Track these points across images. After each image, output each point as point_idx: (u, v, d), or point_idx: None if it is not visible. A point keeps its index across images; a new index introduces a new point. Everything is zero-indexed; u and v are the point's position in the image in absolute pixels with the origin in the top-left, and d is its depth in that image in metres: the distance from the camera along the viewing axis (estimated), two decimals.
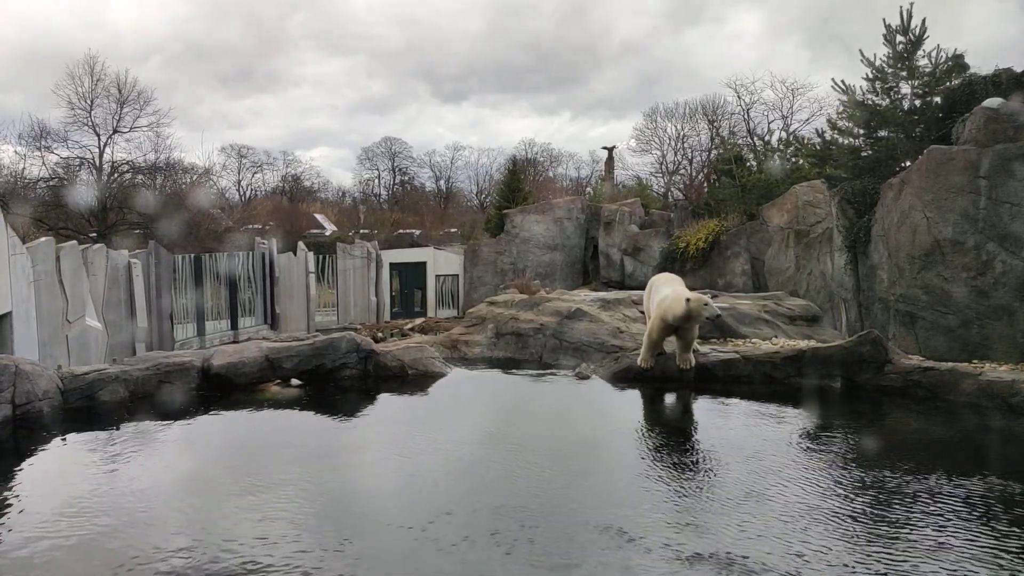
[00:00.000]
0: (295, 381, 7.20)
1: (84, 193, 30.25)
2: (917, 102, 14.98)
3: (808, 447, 5.32)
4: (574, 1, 66.26)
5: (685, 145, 40.36)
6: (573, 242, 29.02)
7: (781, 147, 29.37)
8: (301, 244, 25.12)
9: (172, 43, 60.18)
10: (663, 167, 41.35)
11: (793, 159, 25.35)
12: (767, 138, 32.89)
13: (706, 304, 6.68)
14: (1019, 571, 3.21)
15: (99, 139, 30.26)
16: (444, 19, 69.35)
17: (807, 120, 33.45)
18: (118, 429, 5.63)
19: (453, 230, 38.96)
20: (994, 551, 3.41)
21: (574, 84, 70.09)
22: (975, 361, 9.26)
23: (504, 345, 9.93)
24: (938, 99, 14.50)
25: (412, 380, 7.37)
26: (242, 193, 49.67)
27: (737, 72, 49.01)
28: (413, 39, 69.52)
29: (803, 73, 48.70)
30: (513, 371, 8.64)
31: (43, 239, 14.68)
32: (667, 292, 7.24)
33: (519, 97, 74.75)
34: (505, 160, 49.24)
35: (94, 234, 26.33)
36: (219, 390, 6.70)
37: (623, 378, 7.34)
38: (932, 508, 3.94)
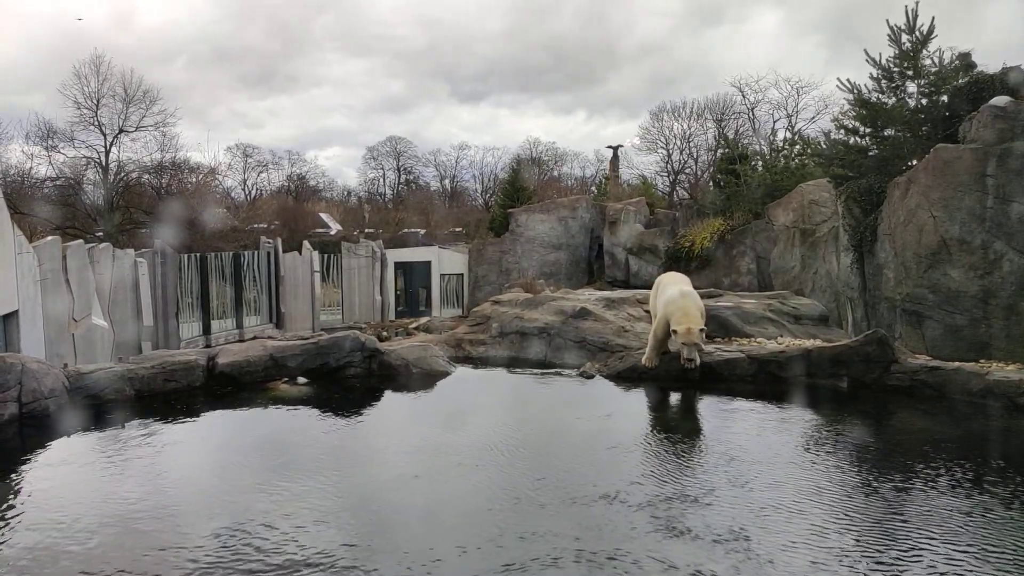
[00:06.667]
0: (301, 379, 7.21)
1: (90, 192, 30.42)
2: (924, 101, 14.90)
3: (813, 446, 5.30)
4: (595, 1, 66.44)
5: (691, 144, 40.31)
6: (578, 241, 29.00)
7: (786, 147, 29.29)
8: (306, 243, 25.16)
9: (197, 44, 60.80)
10: (668, 166, 41.30)
11: (798, 158, 25.28)
12: (770, 138, 32.82)
13: (693, 344, 6.55)
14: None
15: (105, 139, 30.38)
16: (467, 19, 69.67)
17: (812, 119, 33.40)
18: (124, 428, 5.65)
19: (458, 229, 38.96)
20: (998, 549, 3.39)
21: (591, 84, 70.23)
22: (982, 360, 9.21)
23: (508, 344, 9.92)
24: (945, 98, 14.42)
25: (417, 379, 7.37)
26: (247, 192, 49.80)
27: (748, 72, 48.85)
28: (435, 39, 69.89)
29: (819, 73, 48.50)
30: (517, 370, 8.63)
31: (49, 238, 14.74)
32: (672, 292, 7.19)
33: (535, 96, 75.12)
34: (510, 159, 49.32)
35: (100, 233, 26.41)
36: (225, 388, 6.72)
37: (628, 377, 7.32)
38: (933, 506, 3.92)
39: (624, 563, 3.29)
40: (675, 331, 6.71)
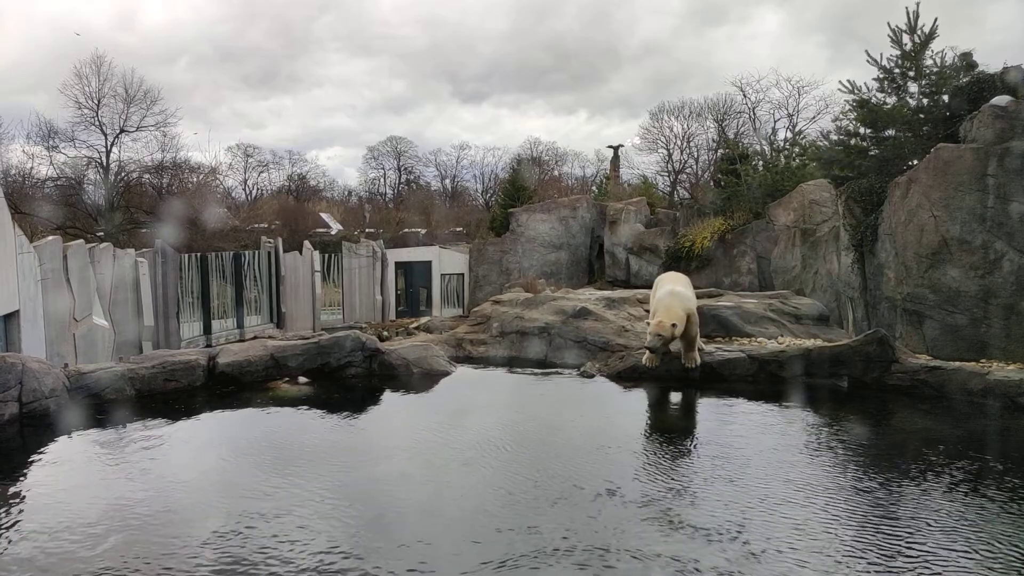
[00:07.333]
0: (302, 379, 7.21)
1: (91, 192, 30.47)
2: (924, 100, 14.91)
3: (812, 445, 5.30)
4: (597, 1, 66.63)
5: (691, 144, 40.31)
6: (578, 241, 29.00)
7: (787, 147, 29.27)
8: (307, 243, 25.17)
9: (200, 44, 61.09)
10: (669, 166, 41.31)
11: (799, 159, 25.27)
12: (771, 138, 32.80)
13: (657, 335, 6.71)
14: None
15: (106, 138, 30.42)
16: (469, 19, 69.90)
17: (813, 118, 33.35)
18: (124, 427, 5.65)
19: (458, 229, 38.97)
20: (996, 549, 3.39)
21: (593, 83, 70.52)
22: (982, 360, 9.22)
23: (509, 344, 9.93)
24: (945, 97, 14.43)
25: (417, 378, 7.37)
26: (248, 192, 49.85)
27: (749, 72, 48.94)
28: (437, 39, 70.20)
29: (821, 73, 48.71)
30: (517, 370, 8.64)
31: (50, 238, 14.76)
32: (663, 291, 7.18)
33: (537, 96, 75.43)
34: (511, 159, 49.39)
35: (101, 233, 26.44)
36: (226, 388, 6.72)
37: (628, 377, 7.32)
38: (931, 505, 3.92)
39: (612, 559, 3.30)
40: (648, 323, 6.79)
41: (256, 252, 22.66)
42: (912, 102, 15.06)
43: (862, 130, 15.81)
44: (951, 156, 11.72)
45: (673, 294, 7.01)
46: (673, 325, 6.67)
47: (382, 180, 56.27)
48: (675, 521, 3.74)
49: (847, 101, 16.18)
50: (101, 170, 30.41)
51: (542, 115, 72.95)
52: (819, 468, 4.71)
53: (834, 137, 17.11)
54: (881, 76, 15.26)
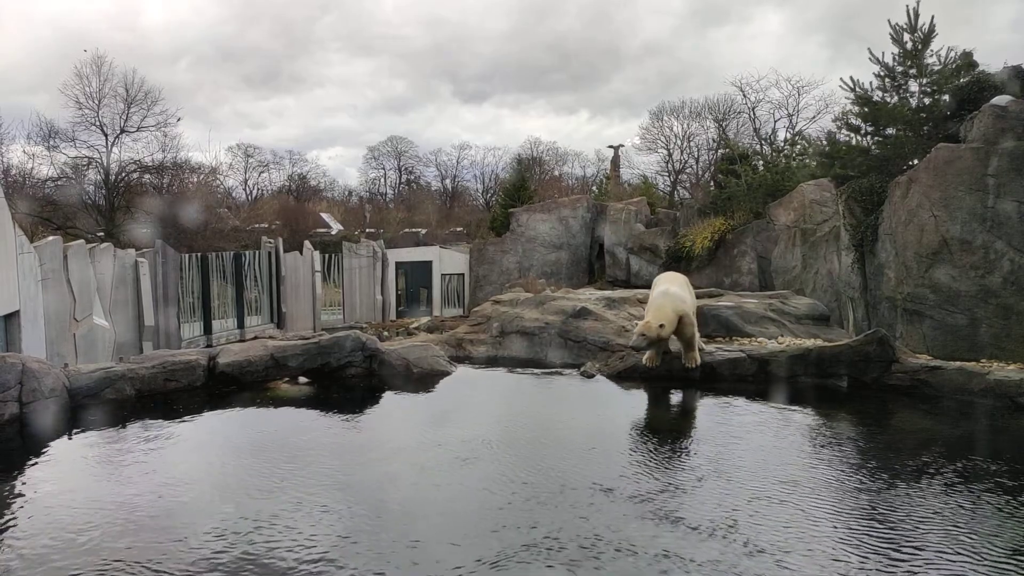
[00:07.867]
0: (302, 379, 7.22)
1: (92, 192, 30.47)
2: (925, 100, 14.91)
3: (811, 445, 5.30)
4: (598, 1, 66.73)
5: (691, 144, 40.32)
6: (578, 241, 29.00)
7: (787, 147, 29.27)
8: (307, 243, 25.17)
9: (202, 45, 61.27)
10: (669, 166, 41.31)
11: (799, 158, 25.27)
12: (771, 138, 32.80)
13: (641, 335, 6.68)
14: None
15: (106, 139, 30.39)
16: (470, 19, 70.02)
17: (813, 118, 33.36)
18: (124, 428, 5.65)
19: (459, 229, 38.96)
20: (995, 549, 3.39)
21: (594, 83, 70.64)
22: (983, 360, 9.21)
23: (509, 344, 9.93)
24: (946, 97, 14.43)
25: (417, 378, 7.37)
26: (248, 192, 49.85)
27: (750, 72, 49.01)
28: (438, 40, 70.36)
29: (821, 73, 48.91)
30: (518, 370, 8.63)
31: (51, 238, 14.76)
32: (657, 291, 7.16)
33: (538, 96, 75.54)
34: (511, 159, 49.38)
35: (101, 233, 26.43)
36: (226, 388, 6.72)
37: (628, 377, 7.32)
38: (929, 505, 3.92)
39: (605, 557, 3.31)
40: (636, 322, 6.80)
41: (256, 252, 22.66)
42: (913, 101, 15.07)
43: (864, 127, 15.81)
44: (951, 156, 11.72)
45: (666, 294, 6.98)
46: (660, 326, 6.62)
47: (382, 180, 56.35)
48: (669, 519, 3.75)
49: (847, 99, 16.19)
50: (101, 170, 30.40)
51: (543, 115, 73.11)
52: (817, 468, 4.70)
53: (838, 136, 17.11)
54: (882, 74, 15.27)
